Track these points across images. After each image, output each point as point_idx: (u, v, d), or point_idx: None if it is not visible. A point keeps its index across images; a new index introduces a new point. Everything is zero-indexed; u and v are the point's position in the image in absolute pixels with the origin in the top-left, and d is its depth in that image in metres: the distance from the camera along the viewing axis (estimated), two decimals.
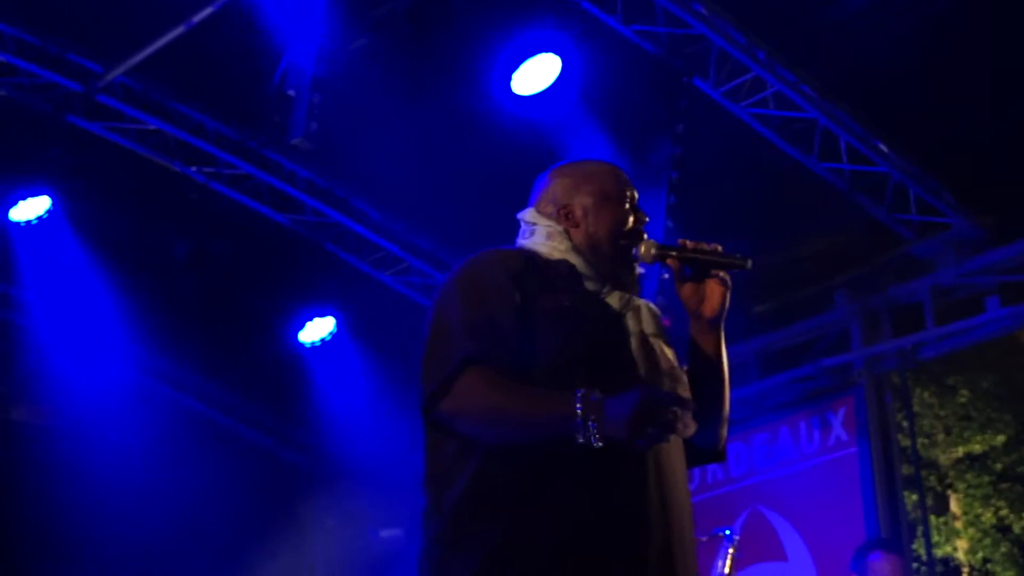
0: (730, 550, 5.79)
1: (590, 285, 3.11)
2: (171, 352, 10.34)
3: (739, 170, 8.21)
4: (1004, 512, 12.78)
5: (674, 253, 3.17)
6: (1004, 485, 12.86)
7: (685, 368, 3.22)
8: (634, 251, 3.17)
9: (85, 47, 8.03)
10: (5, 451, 9.82)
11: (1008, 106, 7.58)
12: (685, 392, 3.08)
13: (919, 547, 9.48)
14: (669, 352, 3.13)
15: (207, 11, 7.37)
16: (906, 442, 9.26)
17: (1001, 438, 12.77)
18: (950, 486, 12.99)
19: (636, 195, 3.27)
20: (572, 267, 3.12)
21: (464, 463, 2.90)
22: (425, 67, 7.71)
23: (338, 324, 9.62)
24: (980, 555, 12.71)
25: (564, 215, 3.20)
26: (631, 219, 3.21)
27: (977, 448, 12.83)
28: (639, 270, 3.21)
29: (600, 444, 2.69)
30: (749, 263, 3.13)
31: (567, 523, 2.82)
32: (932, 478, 12.79)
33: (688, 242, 3.16)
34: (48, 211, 8.47)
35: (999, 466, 12.87)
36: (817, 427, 8.97)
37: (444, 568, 2.87)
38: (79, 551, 9.45)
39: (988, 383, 12.47)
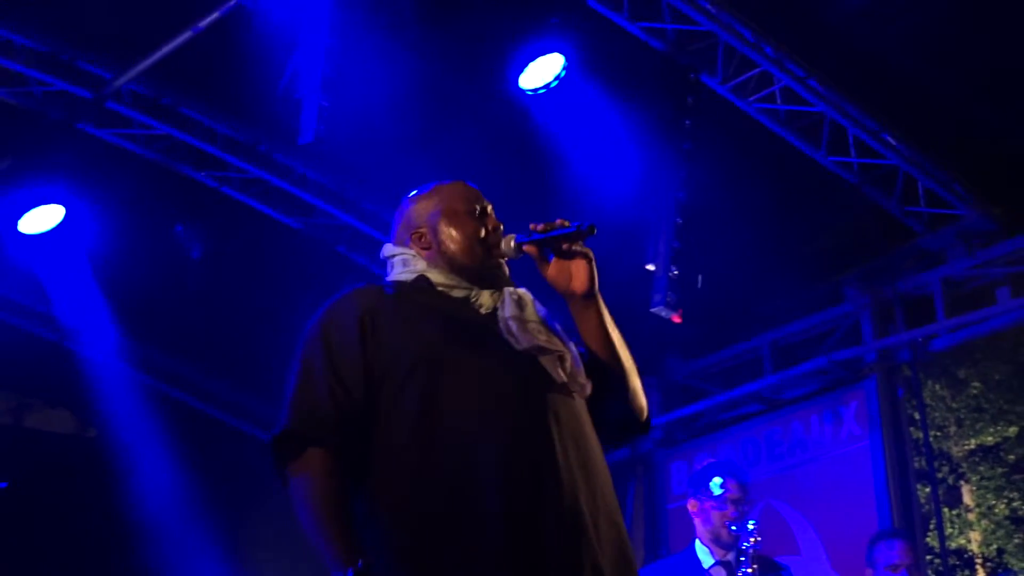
0: (751, 540, 5.78)
1: (458, 293, 3.20)
2: (184, 357, 10.38)
3: (748, 165, 8.21)
4: (1017, 504, 12.75)
5: (530, 241, 3.22)
6: (1017, 476, 12.82)
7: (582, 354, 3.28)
8: (497, 252, 3.26)
9: (93, 54, 8.04)
10: (26, 458, 9.87)
11: (1016, 97, 7.59)
12: (566, 356, 3.13)
13: (933, 539, 9.48)
14: (542, 326, 3.17)
15: (214, 15, 7.39)
16: (918, 434, 9.26)
17: (1013, 430, 12.70)
18: (963, 478, 12.98)
19: (488, 205, 3.35)
20: (431, 282, 3.21)
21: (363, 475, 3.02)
22: (433, 67, 7.72)
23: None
24: (994, 546, 12.68)
25: (417, 239, 3.30)
26: (482, 229, 3.29)
27: (990, 440, 12.78)
28: (504, 268, 3.30)
29: None
30: (594, 229, 3.16)
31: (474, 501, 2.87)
32: (944, 470, 12.78)
33: (537, 225, 3.21)
34: (62, 221, 8.47)
35: (1012, 457, 12.81)
36: (829, 420, 8.99)
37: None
38: (99, 550, 9.50)
39: (1000, 375, 12.43)
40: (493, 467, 2.89)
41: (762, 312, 9.46)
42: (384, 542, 2.89)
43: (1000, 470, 12.77)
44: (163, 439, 9.90)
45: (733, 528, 5.93)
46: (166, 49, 7.67)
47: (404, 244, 3.34)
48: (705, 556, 6.08)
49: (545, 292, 3.33)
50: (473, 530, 2.85)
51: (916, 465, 9.03)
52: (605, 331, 3.25)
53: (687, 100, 7.58)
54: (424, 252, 3.28)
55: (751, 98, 7.74)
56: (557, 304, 3.33)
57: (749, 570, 5.76)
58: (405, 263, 3.29)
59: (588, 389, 3.15)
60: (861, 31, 7.45)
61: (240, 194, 8.87)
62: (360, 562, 2.78)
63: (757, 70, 7.62)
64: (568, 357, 3.13)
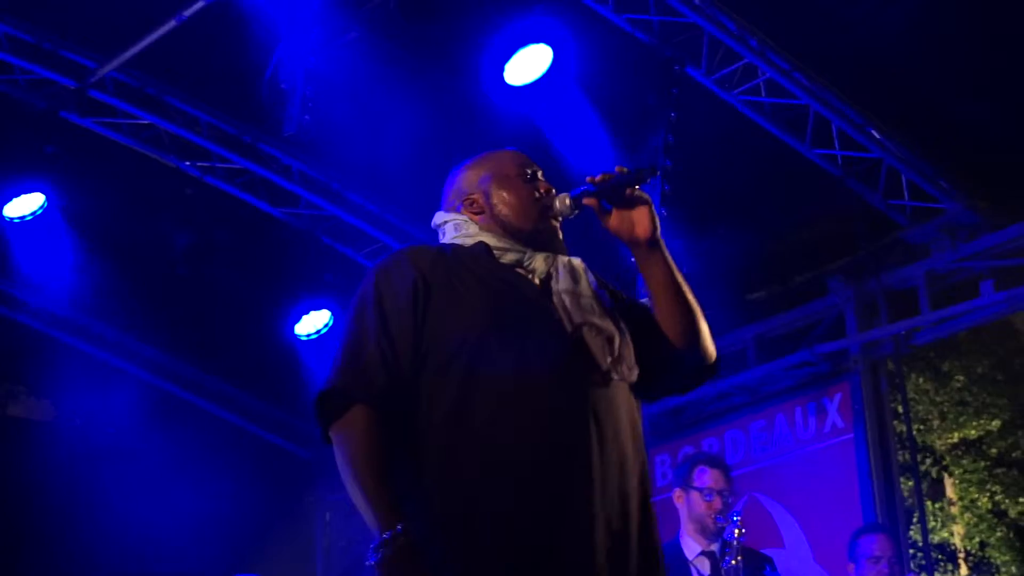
0: (736, 532, 5.78)
1: (510, 257, 3.17)
2: (168, 346, 10.37)
3: (732, 157, 8.22)
4: (1000, 497, 12.81)
5: (588, 192, 3.21)
6: (1000, 470, 12.87)
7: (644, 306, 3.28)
8: (552, 212, 3.24)
9: (78, 43, 8.02)
10: (5, 447, 9.85)
11: (1001, 90, 7.60)
12: (615, 338, 3.10)
13: (916, 533, 9.51)
14: (595, 303, 3.16)
15: (198, 5, 7.37)
16: (902, 428, 9.27)
17: (996, 423, 12.77)
18: (946, 471, 13.02)
19: (539, 170, 3.33)
20: (486, 246, 3.17)
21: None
22: (418, 58, 7.72)
23: (334, 317, 9.64)
24: (976, 540, 12.73)
25: (468, 205, 3.28)
26: (535, 192, 3.27)
27: (972, 433, 12.84)
28: (559, 230, 3.27)
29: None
30: (656, 170, 3.17)
31: (502, 495, 2.87)
32: (928, 463, 12.82)
33: (594, 177, 3.20)
34: (42, 207, 8.47)
35: (994, 451, 12.88)
36: (813, 414, 9.00)
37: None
38: (80, 545, 9.48)
39: (983, 368, 12.48)
40: (525, 466, 2.89)
41: (746, 305, 9.46)
42: (419, 512, 2.89)
43: (983, 463, 12.83)
44: (147, 428, 9.90)
45: (718, 519, 5.94)
46: (150, 38, 7.67)
47: (455, 211, 3.31)
48: (689, 546, 6.08)
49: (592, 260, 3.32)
50: (497, 524, 2.85)
51: (900, 458, 9.03)
52: (672, 276, 3.21)
53: (672, 92, 7.59)
54: (477, 217, 3.25)
55: (736, 90, 7.75)
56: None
57: (733, 561, 5.76)
58: (458, 227, 3.26)
59: (634, 375, 3.12)
60: (846, 24, 7.46)
61: (225, 184, 8.86)
62: (400, 526, 2.80)
63: (741, 62, 7.63)
64: (617, 339, 3.11)
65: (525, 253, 3.18)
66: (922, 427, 12.89)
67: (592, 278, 3.23)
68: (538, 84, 7.48)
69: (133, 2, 7.55)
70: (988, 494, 12.81)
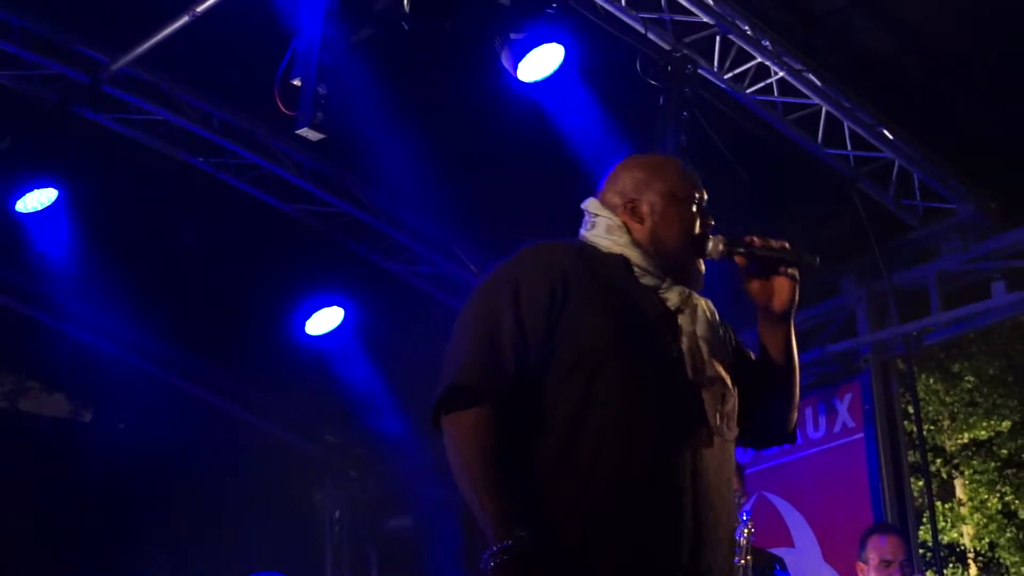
0: (744, 532, 5.78)
1: (648, 280, 3.12)
2: (179, 342, 10.38)
3: (744, 157, 8.20)
4: (1009, 498, 12.82)
5: (742, 250, 3.19)
6: (1009, 471, 12.89)
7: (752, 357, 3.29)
8: (703, 251, 3.20)
9: (91, 38, 8.03)
10: (21, 442, 9.88)
11: (1013, 91, 7.59)
12: (729, 397, 3.10)
13: (925, 533, 9.51)
14: (718, 354, 3.14)
15: (211, 0, 7.38)
16: (912, 428, 9.27)
17: (1006, 424, 12.79)
18: (956, 471, 13.02)
19: (705, 196, 3.27)
20: (627, 262, 3.12)
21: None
22: (430, 55, 7.71)
23: (346, 314, 9.64)
24: (986, 540, 12.74)
25: (630, 209, 3.21)
26: (698, 222, 3.22)
27: (982, 434, 12.85)
28: (703, 268, 3.23)
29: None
30: (817, 260, 3.16)
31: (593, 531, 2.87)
32: (938, 464, 12.82)
33: (756, 239, 3.18)
34: (54, 202, 8.49)
35: (1004, 452, 12.89)
36: (823, 413, 8.99)
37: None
38: (90, 539, 9.52)
39: (994, 369, 12.48)
40: (624, 499, 2.89)
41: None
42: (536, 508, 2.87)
43: (993, 464, 12.84)
44: (158, 423, 9.91)
45: None
46: (163, 34, 7.66)
47: (612, 208, 3.24)
48: None
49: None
50: (597, 550, 2.86)
51: (909, 458, 9.02)
52: (789, 351, 3.25)
53: (684, 91, 7.57)
54: (634, 225, 3.19)
55: (748, 90, 7.73)
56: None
57: (742, 561, 5.75)
58: (610, 230, 3.19)
59: (734, 434, 3.13)
60: (858, 24, 7.45)
61: (236, 180, 8.86)
62: (522, 534, 2.76)
63: (754, 62, 7.61)
64: (731, 399, 3.11)
65: (664, 281, 3.13)
66: (932, 427, 12.88)
67: (720, 327, 3.22)
68: (549, 82, 7.47)
69: None
70: (998, 495, 12.82)
